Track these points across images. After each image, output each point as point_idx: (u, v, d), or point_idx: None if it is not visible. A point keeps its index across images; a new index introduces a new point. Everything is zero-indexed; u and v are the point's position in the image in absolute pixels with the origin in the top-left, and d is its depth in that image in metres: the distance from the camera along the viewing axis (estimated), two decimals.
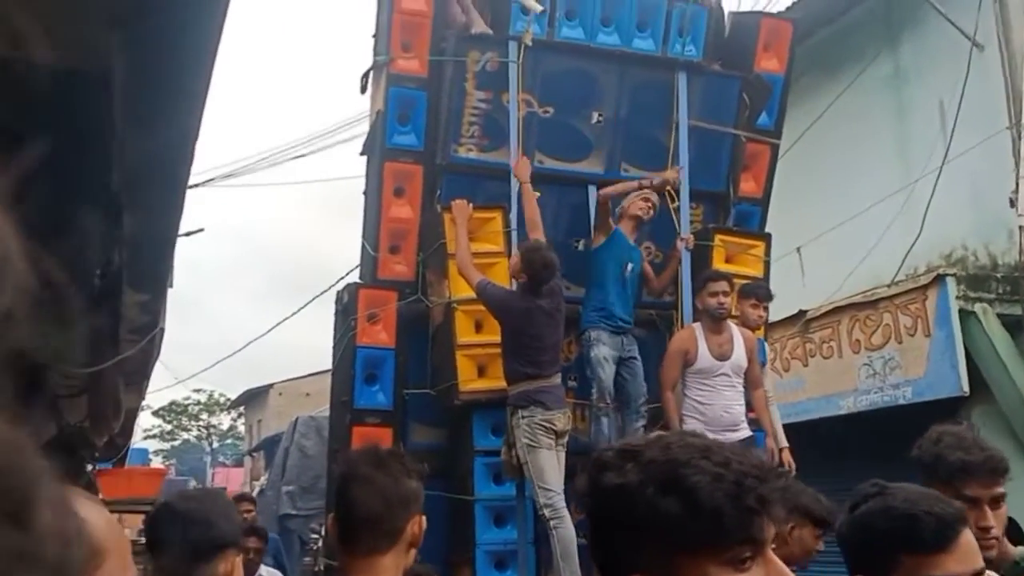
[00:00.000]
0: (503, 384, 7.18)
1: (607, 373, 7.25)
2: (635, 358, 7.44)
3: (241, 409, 51.38)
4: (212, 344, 69.50)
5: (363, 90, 7.73)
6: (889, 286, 11.17)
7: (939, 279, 10.54)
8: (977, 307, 10.51)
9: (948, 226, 11.08)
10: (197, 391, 52.30)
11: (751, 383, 7.40)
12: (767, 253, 7.78)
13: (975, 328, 10.46)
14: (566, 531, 6.66)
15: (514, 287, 7.05)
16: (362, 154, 7.85)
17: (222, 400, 55.03)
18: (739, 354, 7.29)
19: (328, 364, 8.17)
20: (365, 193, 7.77)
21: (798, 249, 12.21)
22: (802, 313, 11.84)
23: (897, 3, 11.87)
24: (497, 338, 7.24)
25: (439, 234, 7.28)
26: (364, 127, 8.35)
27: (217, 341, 45.64)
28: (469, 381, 7.20)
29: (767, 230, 8.00)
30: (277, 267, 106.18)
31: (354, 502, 2.65)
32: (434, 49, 7.44)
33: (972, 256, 11.29)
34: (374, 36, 7.60)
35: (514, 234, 7.33)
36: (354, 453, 3.34)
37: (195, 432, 59.37)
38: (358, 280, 7.73)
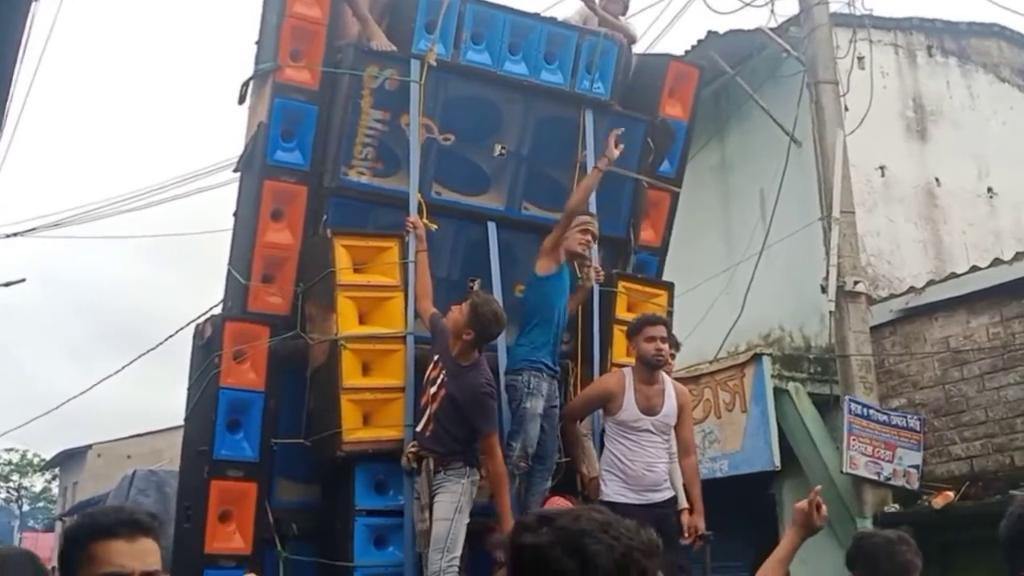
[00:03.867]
0: (393, 434, 5.08)
1: (536, 429, 5.20)
2: (556, 408, 5.41)
3: (56, 470, 42.79)
4: (26, 399, 58.91)
5: (241, 100, 5.51)
6: (711, 362, 9.68)
7: (756, 358, 9.23)
8: (791, 386, 9.30)
9: (767, 307, 9.76)
10: (8, 450, 44.34)
11: (682, 448, 5.50)
12: (670, 303, 5.98)
13: (788, 405, 9.24)
14: None
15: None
16: (235, 170, 5.58)
17: (35, 460, 46.12)
18: (668, 410, 5.40)
19: (152, 425, 5.70)
20: (235, 215, 5.50)
21: None
22: None
23: (725, 97, 10.64)
24: (388, 382, 5.09)
25: (327, 262, 5.12)
26: (199, 183, 6.06)
27: (31, 396, 38.50)
28: (354, 430, 5.03)
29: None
30: (100, 323, 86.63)
31: None
32: (328, 60, 5.37)
33: (788, 337, 9.99)
34: (257, 42, 5.45)
35: (411, 266, 5.22)
36: None
37: (3, 494, 48.76)
38: (223, 312, 5.39)
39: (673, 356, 5.87)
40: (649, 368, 5.33)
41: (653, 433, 5.31)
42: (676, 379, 6.86)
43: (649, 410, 5.32)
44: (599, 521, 1.56)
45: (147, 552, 2.04)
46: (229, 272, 5.39)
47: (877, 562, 3.15)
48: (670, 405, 5.41)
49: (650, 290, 5.92)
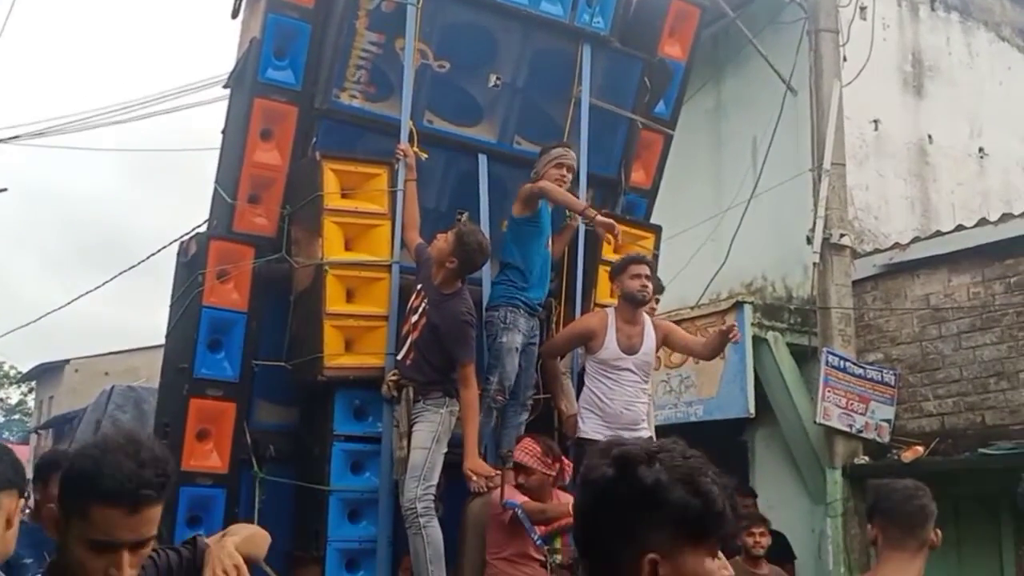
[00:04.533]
0: (374, 361, 5.07)
1: (513, 364, 5.21)
2: (535, 344, 5.41)
3: (32, 384, 42.51)
4: (1, 311, 57.19)
5: (235, 14, 5.40)
6: (693, 308, 9.67)
7: (738, 305, 9.18)
8: (770, 335, 9.26)
9: (752, 256, 9.72)
10: None
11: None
12: (656, 246, 5.95)
13: (766, 354, 9.22)
14: (436, 531, 4.76)
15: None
16: (225, 86, 5.47)
17: (12, 372, 45.94)
18: (648, 348, 5.41)
19: (128, 342, 5.65)
20: (224, 132, 5.40)
21: None
22: None
23: (724, 41, 10.44)
24: (371, 310, 5.08)
25: (315, 186, 5.05)
26: (187, 99, 5.92)
27: (7, 309, 37.94)
28: (336, 355, 5.02)
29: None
30: (79, 237, 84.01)
31: None
32: None
33: (770, 286, 9.99)
34: None
35: (399, 195, 5.16)
36: None
37: None
38: (208, 231, 5.33)
39: (657, 300, 5.88)
40: (633, 305, 5.33)
41: (633, 372, 5.33)
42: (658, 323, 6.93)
43: (630, 349, 5.33)
44: (702, 460, 1.59)
45: (146, 521, 1.95)
46: (215, 191, 5.32)
47: (894, 509, 3.24)
48: (649, 344, 5.43)
49: (638, 232, 5.88)
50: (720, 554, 1.62)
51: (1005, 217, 8.59)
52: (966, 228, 8.80)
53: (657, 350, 5.57)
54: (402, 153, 5.21)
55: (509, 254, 5.37)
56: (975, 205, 10.36)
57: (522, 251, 5.34)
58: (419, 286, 5.07)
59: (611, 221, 5.27)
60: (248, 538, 2.39)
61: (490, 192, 5.63)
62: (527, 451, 5.05)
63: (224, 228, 5.18)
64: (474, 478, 4.78)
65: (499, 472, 4.93)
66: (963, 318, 8.51)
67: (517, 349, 5.20)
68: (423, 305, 4.98)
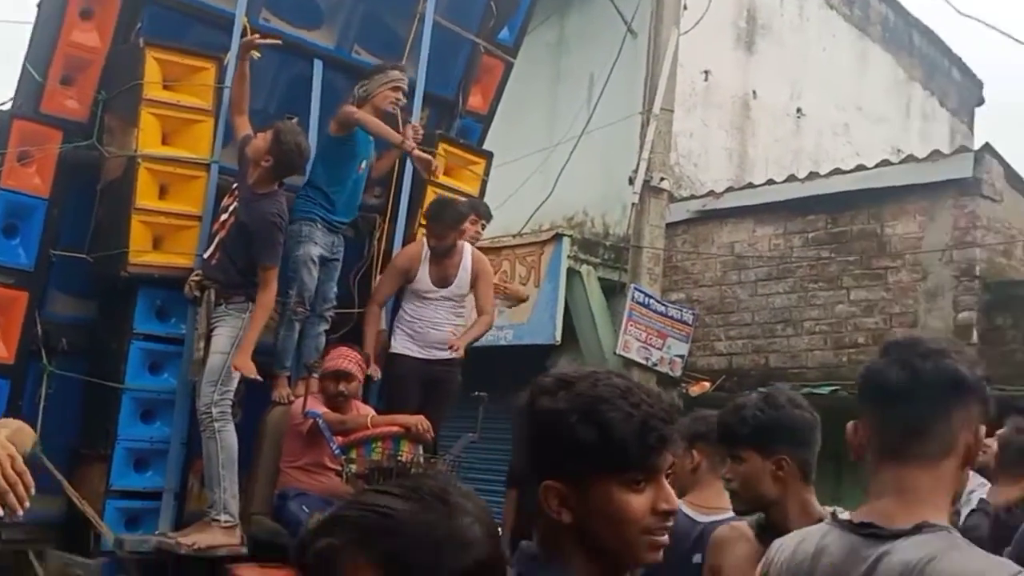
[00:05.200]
0: (182, 261, 4.94)
1: (312, 276, 5.16)
2: (338, 260, 5.39)
3: None
4: None
5: None
6: (515, 236, 9.85)
7: (557, 237, 9.45)
8: (583, 268, 9.57)
9: (577, 191, 9.96)
10: None
11: (477, 309, 5.66)
12: (486, 173, 6.00)
13: (578, 286, 9.52)
14: (230, 436, 4.76)
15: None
16: None
17: None
18: (462, 280, 5.52)
19: None
20: (40, 5, 5.03)
21: None
22: None
23: None
24: (185, 208, 4.93)
25: (135, 73, 4.80)
26: None
27: None
28: (142, 252, 4.87)
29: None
30: None
31: None
32: None
33: (590, 222, 10.30)
34: None
35: (226, 92, 4.98)
36: None
37: None
38: (12, 109, 4.99)
39: (483, 226, 5.98)
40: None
41: (445, 299, 5.45)
42: (480, 248, 7.07)
43: (442, 282, 5.46)
44: (618, 387, 1.52)
45: None
46: (24, 68, 4.97)
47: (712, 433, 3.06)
48: (464, 276, 5.53)
49: (469, 156, 5.91)
50: (664, 482, 1.54)
51: (812, 176, 9.14)
52: (776, 183, 9.31)
53: (472, 285, 5.63)
54: (243, 48, 4.94)
55: (314, 172, 5.28)
56: (787, 162, 10.95)
57: (328, 171, 5.27)
58: (234, 184, 4.96)
59: (428, 157, 5.29)
60: (17, 430, 2.33)
61: (322, 99, 5.51)
62: (350, 359, 5.11)
63: (31, 108, 4.88)
64: (235, 372, 4.72)
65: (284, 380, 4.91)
66: (762, 267, 9.06)
67: (314, 261, 5.16)
68: (234, 203, 4.88)
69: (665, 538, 1.54)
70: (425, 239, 5.49)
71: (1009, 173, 8.06)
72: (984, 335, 7.49)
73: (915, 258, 7.97)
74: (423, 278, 5.40)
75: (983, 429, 1.82)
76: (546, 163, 9.96)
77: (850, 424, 1.89)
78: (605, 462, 1.49)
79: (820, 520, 2.20)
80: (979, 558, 1.67)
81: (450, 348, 5.37)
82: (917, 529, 1.70)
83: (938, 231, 7.90)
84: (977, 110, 13.70)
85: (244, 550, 4.75)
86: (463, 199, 5.66)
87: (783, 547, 1.96)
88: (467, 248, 5.59)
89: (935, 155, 8.32)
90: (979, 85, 13.56)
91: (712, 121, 10.61)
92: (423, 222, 5.67)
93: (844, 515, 1.88)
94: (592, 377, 1.55)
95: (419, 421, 5.02)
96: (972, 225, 7.71)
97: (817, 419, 2.62)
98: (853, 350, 8.23)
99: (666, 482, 1.54)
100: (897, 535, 1.71)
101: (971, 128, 13.49)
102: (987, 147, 8.03)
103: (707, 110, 10.53)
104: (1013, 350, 7.23)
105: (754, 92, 11.03)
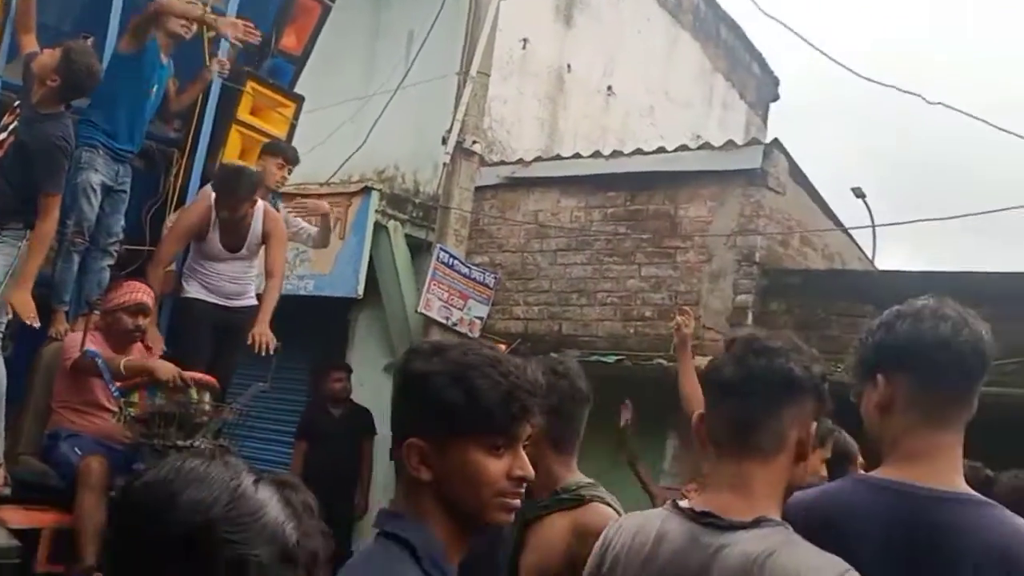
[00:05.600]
0: None
1: (92, 205, 4.90)
2: (124, 192, 5.13)
3: None
4: None
5: None
6: (322, 185, 9.66)
7: (366, 190, 9.37)
8: (391, 224, 9.52)
9: (389, 146, 9.85)
10: None
11: (266, 272, 5.45)
12: (296, 116, 5.84)
13: (384, 241, 9.46)
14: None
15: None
16: None
17: None
18: (252, 244, 5.35)
19: None
20: None
21: None
22: None
23: None
24: None
25: None
26: None
27: None
28: None
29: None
30: None
31: None
32: None
33: (401, 178, 10.22)
34: None
35: (13, 2, 4.62)
36: None
37: None
38: None
39: (289, 171, 5.84)
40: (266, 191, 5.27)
41: (236, 260, 5.32)
42: (285, 194, 6.92)
43: (233, 247, 5.32)
44: (489, 357, 1.62)
45: None
46: None
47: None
48: (254, 240, 5.39)
49: (279, 98, 5.75)
50: (521, 451, 1.63)
51: (615, 154, 9.47)
52: (582, 157, 9.59)
53: (264, 241, 5.47)
54: None
55: (97, 94, 4.98)
56: (595, 138, 11.28)
57: (111, 91, 4.98)
58: (17, 103, 4.62)
59: (237, 21, 5.09)
60: None
61: (122, 22, 5.20)
62: (147, 292, 4.91)
63: None
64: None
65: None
66: (562, 237, 9.33)
67: (94, 190, 4.92)
68: (14, 123, 4.55)
69: (517, 502, 1.64)
70: (214, 205, 5.28)
71: (793, 168, 8.64)
72: (758, 318, 8.04)
73: (703, 241, 8.43)
74: (212, 242, 5.23)
75: (815, 425, 1.89)
76: (360, 113, 9.81)
77: (696, 415, 1.97)
78: (469, 425, 1.59)
79: (571, 488, 2.42)
80: (815, 554, 1.74)
81: (255, 348, 5.18)
82: (756, 523, 1.78)
83: (726, 217, 8.38)
84: (772, 106, 14.58)
85: (8, 491, 4.50)
86: (255, 169, 5.44)
87: (622, 529, 2.02)
88: (259, 208, 5.40)
89: (729, 145, 8.80)
90: (775, 82, 14.42)
91: (527, 89, 10.76)
92: (226, 162, 5.48)
93: (684, 503, 1.94)
94: (465, 346, 1.66)
95: (174, 374, 4.69)
96: (756, 214, 8.23)
97: (582, 391, 2.61)
98: (640, 323, 8.64)
99: (523, 451, 1.64)
100: (736, 527, 1.79)
101: (765, 122, 14.34)
102: (776, 142, 8.57)
103: (523, 78, 10.67)
104: None
105: (569, 66, 11.26)
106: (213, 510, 1.11)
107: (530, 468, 1.65)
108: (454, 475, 1.60)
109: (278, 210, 5.95)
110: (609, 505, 2.46)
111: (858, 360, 2.05)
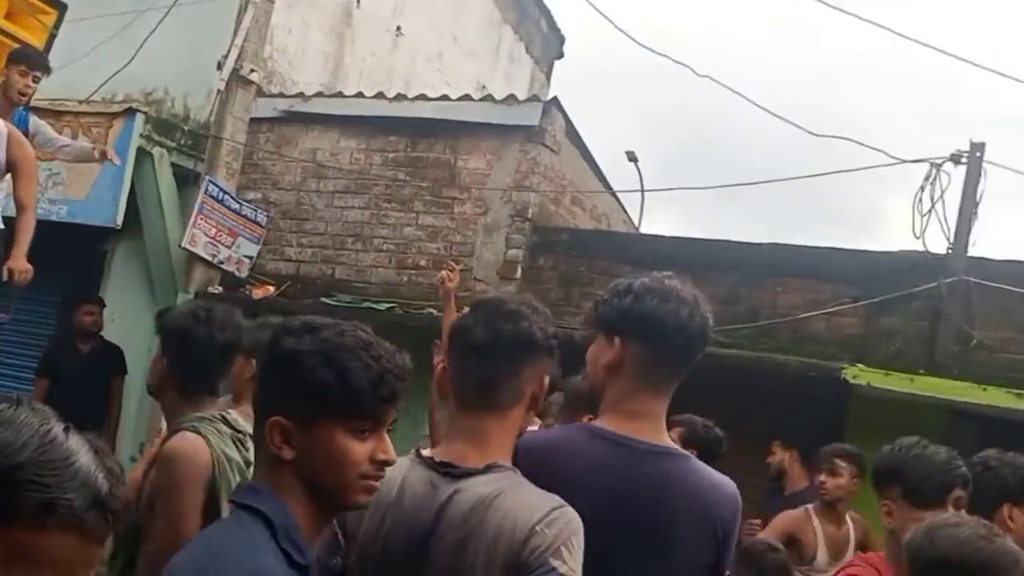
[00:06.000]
0: None
1: None
2: None
3: None
4: None
5: None
6: (82, 103, 8.95)
7: (130, 112, 8.76)
8: (156, 150, 8.99)
9: (159, 65, 9.18)
10: None
11: (17, 207, 4.91)
12: (57, 25, 5.33)
13: (147, 169, 8.93)
14: None
15: None
16: None
17: None
18: None
19: None
20: None
21: None
22: None
23: None
24: None
25: None
26: None
27: None
28: None
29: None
30: None
31: None
32: None
33: (170, 102, 9.58)
34: None
35: None
36: None
37: None
38: None
39: (37, 79, 5.30)
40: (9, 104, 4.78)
41: None
42: (38, 110, 6.34)
43: None
44: (362, 340, 1.63)
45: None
46: None
47: None
48: None
49: (38, 3, 5.21)
50: (385, 435, 1.66)
51: (399, 97, 9.33)
52: (365, 97, 9.38)
53: (9, 169, 4.96)
54: None
55: None
56: (381, 78, 11.06)
57: None
58: None
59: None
60: None
61: None
62: None
63: None
64: None
65: None
66: (341, 179, 9.12)
67: None
68: None
69: (378, 484, 1.68)
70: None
71: (570, 128, 8.85)
72: (527, 272, 8.23)
73: (480, 193, 8.49)
74: None
75: (547, 379, 2.09)
76: (129, 28, 9.09)
77: (439, 366, 2.14)
78: (337, 406, 1.60)
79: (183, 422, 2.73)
80: (537, 495, 1.92)
81: (11, 282, 4.70)
82: (488, 469, 1.95)
83: (503, 171, 8.48)
84: (557, 64, 14.83)
85: None
86: None
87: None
88: (1, 132, 4.87)
89: (510, 99, 8.88)
90: (561, 40, 14.66)
91: (312, 21, 10.37)
92: None
93: (426, 452, 2.08)
94: (339, 327, 1.66)
95: None
96: (531, 171, 8.37)
97: (216, 340, 2.84)
98: (414, 272, 8.63)
99: (387, 435, 1.67)
100: (470, 473, 1.95)
101: (548, 79, 14.58)
102: (555, 100, 8.73)
103: (309, 9, 10.26)
104: (549, 289, 8.01)
105: (358, 1, 10.95)
106: (23, 454, 1.08)
107: (393, 452, 1.68)
108: (318, 456, 1.61)
109: (30, 128, 5.46)
110: (197, 433, 2.66)
111: (599, 315, 2.23)
